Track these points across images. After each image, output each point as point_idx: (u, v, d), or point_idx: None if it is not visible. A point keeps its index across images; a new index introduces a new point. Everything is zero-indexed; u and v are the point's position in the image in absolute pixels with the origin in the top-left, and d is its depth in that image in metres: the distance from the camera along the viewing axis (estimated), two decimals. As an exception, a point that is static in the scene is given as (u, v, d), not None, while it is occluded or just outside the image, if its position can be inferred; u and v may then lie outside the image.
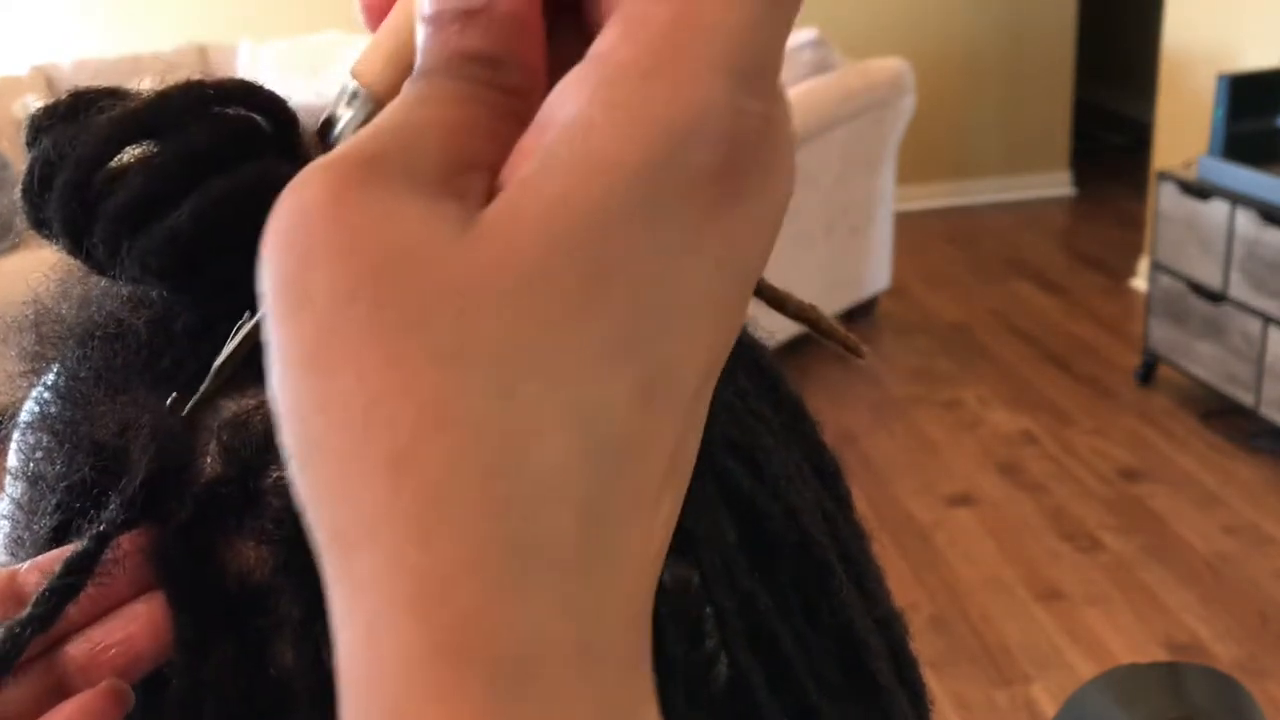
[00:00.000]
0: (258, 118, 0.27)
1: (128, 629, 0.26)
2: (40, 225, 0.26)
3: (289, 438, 0.20)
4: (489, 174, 0.20)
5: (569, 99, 0.20)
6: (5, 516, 0.31)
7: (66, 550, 0.26)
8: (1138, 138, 4.95)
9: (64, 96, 0.26)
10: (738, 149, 0.20)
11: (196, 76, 0.26)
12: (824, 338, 0.36)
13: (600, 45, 0.20)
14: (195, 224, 0.24)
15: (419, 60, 0.22)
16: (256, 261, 0.20)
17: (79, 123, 0.25)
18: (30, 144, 0.26)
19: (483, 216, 0.19)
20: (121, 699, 0.26)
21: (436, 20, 0.21)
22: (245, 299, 0.23)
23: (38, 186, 0.25)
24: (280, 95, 0.27)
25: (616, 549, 0.20)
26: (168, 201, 0.25)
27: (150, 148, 0.25)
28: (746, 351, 0.37)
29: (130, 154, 0.25)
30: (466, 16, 0.21)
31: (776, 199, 0.21)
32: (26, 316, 0.32)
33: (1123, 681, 0.56)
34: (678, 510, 0.22)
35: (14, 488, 0.31)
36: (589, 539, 0.19)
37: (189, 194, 0.25)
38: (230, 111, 0.26)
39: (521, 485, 0.19)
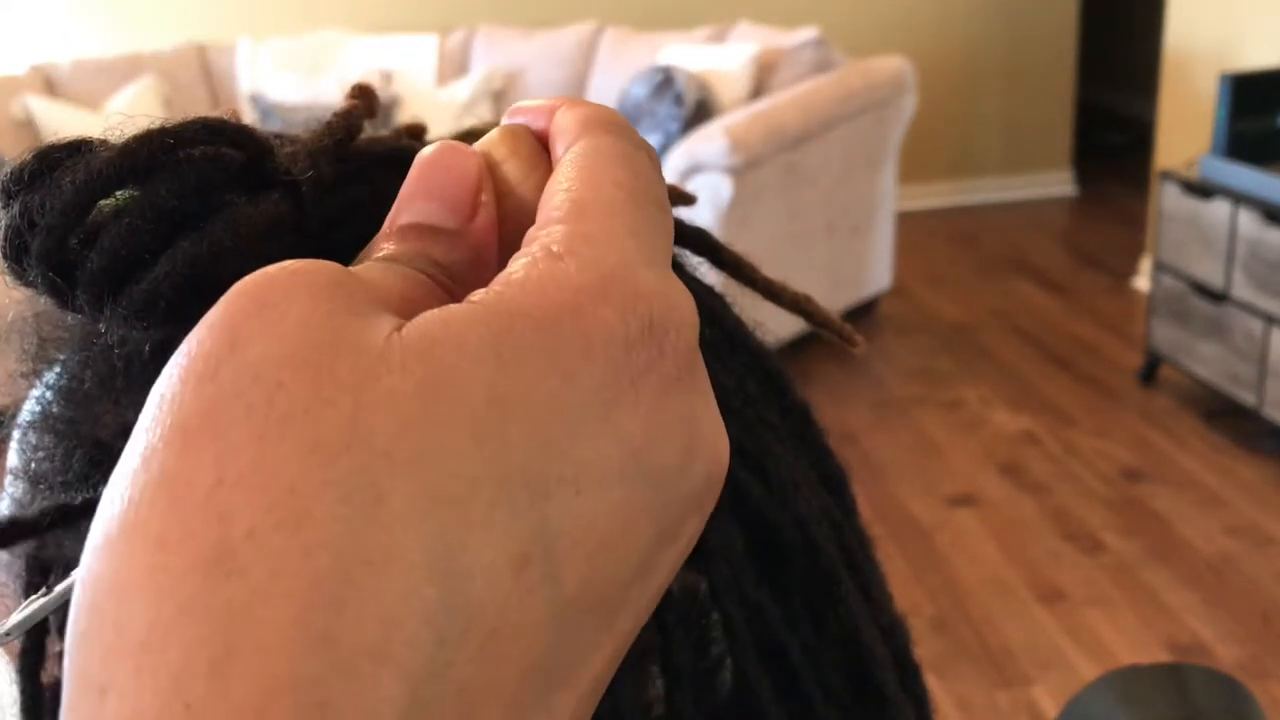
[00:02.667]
0: (227, 150, 0.26)
1: None
2: (26, 285, 0.26)
3: (103, 511, 0.18)
4: None
5: (517, 257, 0.22)
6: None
7: None
8: (1140, 137, 4.95)
9: (28, 157, 0.25)
10: (651, 324, 0.21)
11: (158, 123, 0.26)
12: (819, 328, 0.36)
13: (534, 229, 0.22)
14: (171, 286, 0.25)
15: (387, 248, 0.24)
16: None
17: (45, 186, 0.25)
18: (3, 208, 0.26)
19: (407, 326, 0.20)
20: None
21: (414, 229, 0.24)
22: None
23: (14, 254, 0.25)
24: (247, 127, 0.27)
25: None
26: (142, 262, 0.25)
27: (121, 199, 0.25)
28: (755, 358, 0.37)
29: (103, 205, 0.25)
30: (437, 233, 0.24)
31: (700, 425, 0.21)
32: (27, 318, 0.32)
33: (1124, 683, 0.55)
34: None
35: (15, 487, 0.31)
36: None
37: (162, 250, 0.25)
38: (196, 153, 0.26)
39: (348, 627, 0.17)
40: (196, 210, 0.25)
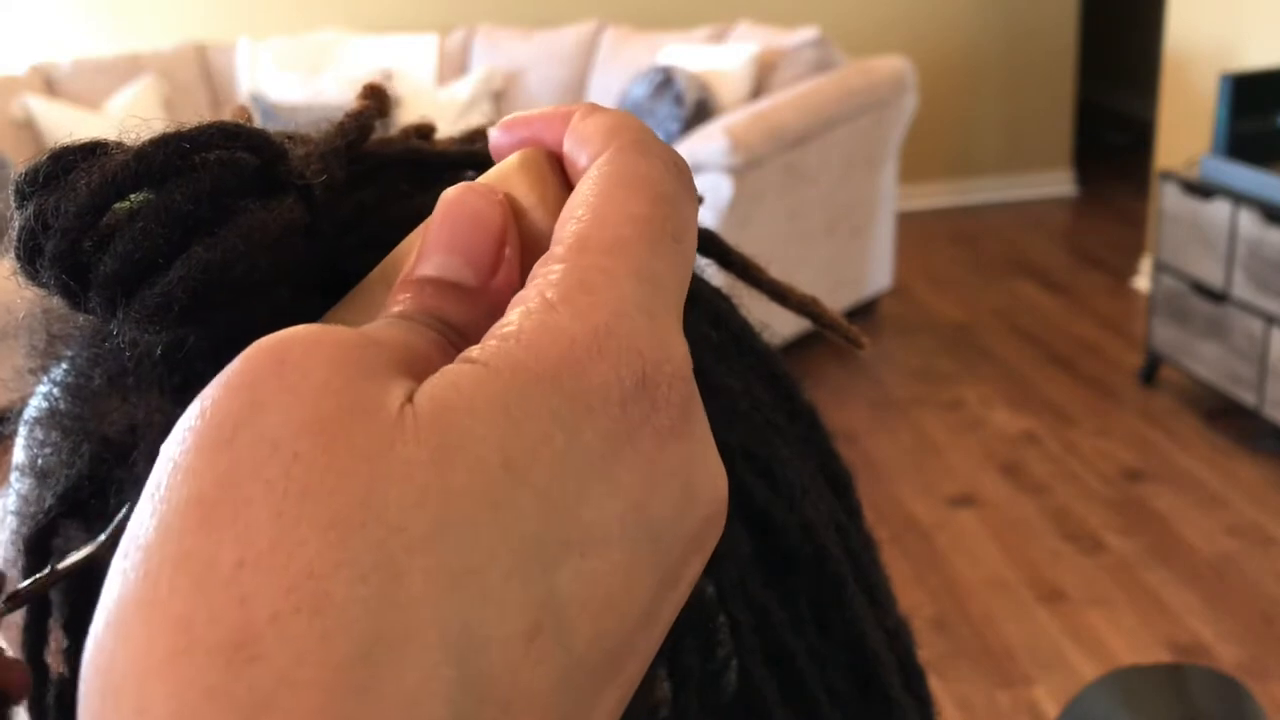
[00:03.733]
0: (242, 155, 0.26)
1: None
2: (38, 287, 0.26)
3: (117, 583, 0.18)
4: None
5: (515, 304, 0.21)
6: (13, 513, 0.31)
7: None
8: (1140, 136, 4.95)
9: (43, 158, 0.25)
10: (644, 378, 0.20)
11: (173, 127, 0.26)
12: (826, 330, 0.36)
13: (537, 268, 0.22)
14: (184, 291, 0.25)
15: (404, 301, 0.23)
16: (254, 311, 0.21)
17: (60, 188, 0.25)
18: (17, 209, 0.26)
19: (417, 392, 0.19)
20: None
21: (433, 285, 0.23)
22: (247, 333, 0.24)
23: (28, 255, 0.25)
24: (261, 131, 0.27)
25: None
26: (155, 266, 0.25)
27: (135, 202, 0.25)
28: (762, 361, 0.37)
29: (117, 209, 0.25)
30: (457, 290, 0.23)
31: (697, 472, 0.21)
32: (36, 314, 0.32)
33: (1125, 683, 0.55)
34: None
35: (21, 484, 0.31)
36: None
37: (176, 254, 0.25)
38: (211, 158, 0.26)
39: (369, 713, 0.16)
40: (210, 215, 0.25)
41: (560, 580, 0.19)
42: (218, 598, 0.17)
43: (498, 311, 0.23)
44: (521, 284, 0.23)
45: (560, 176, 0.25)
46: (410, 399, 0.19)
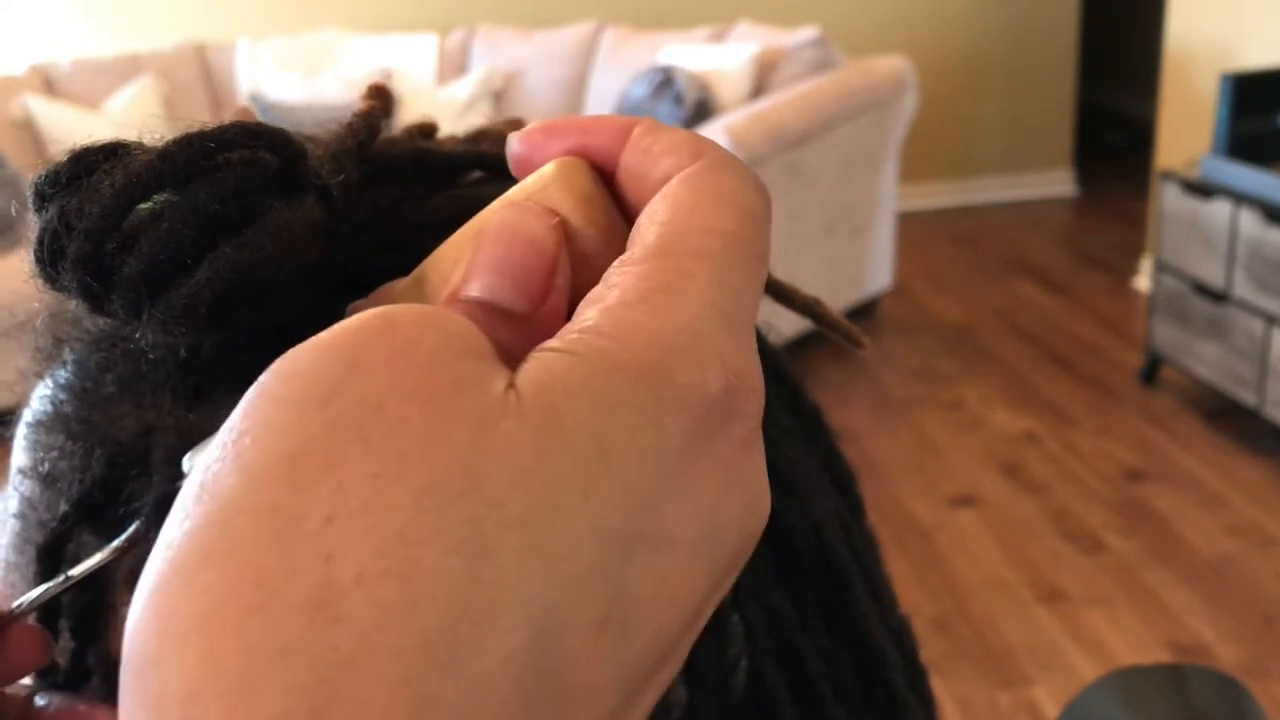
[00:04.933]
0: (264, 154, 0.26)
1: None
2: (58, 290, 0.26)
3: (183, 528, 0.17)
4: None
5: (590, 302, 0.21)
6: (16, 516, 0.31)
7: None
8: (1140, 136, 4.95)
9: (64, 160, 0.25)
10: (728, 386, 0.20)
11: (196, 128, 0.26)
12: (827, 330, 0.37)
13: (615, 272, 0.22)
14: (213, 291, 0.25)
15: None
16: (276, 312, 0.21)
17: (82, 189, 0.25)
18: (37, 211, 0.25)
19: (519, 372, 0.19)
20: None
21: (480, 308, 0.22)
22: (265, 337, 0.24)
23: (50, 258, 0.25)
24: (281, 130, 0.27)
25: None
26: (181, 266, 0.25)
27: (159, 203, 0.25)
28: (768, 361, 0.37)
29: (140, 209, 0.25)
30: (506, 315, 0.22)
31: (758, 486, 0.21)
32: (43, 318, 0.31)
33: (1126, 683, 0.55)
34: None
35: (25, 486, 0.30)
36: None
37: (202, 255, 0.25)
38: (235, 157, 0.25)
39: (448, 690, 0.16)
40: (235, 215, 0.25)
41: (632, 574, 0.18)
42: (302, 553, 0.17)
43: (541, 338, 0.22)
44: (569, 312, 0.22)
45: (603, 192, 0.24)
46: (512, 383, 0.19)
